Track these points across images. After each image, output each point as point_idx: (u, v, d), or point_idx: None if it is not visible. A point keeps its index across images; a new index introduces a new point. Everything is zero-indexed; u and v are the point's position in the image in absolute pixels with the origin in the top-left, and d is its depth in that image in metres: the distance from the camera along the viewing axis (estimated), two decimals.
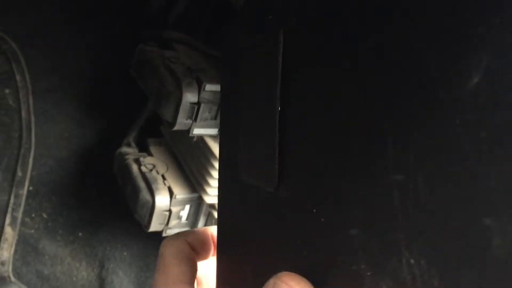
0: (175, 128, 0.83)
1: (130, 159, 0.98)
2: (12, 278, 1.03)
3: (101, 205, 1.15)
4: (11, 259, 1.02)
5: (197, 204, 0.94)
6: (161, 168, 0.96)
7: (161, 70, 0.84)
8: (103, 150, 1.12)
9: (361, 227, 0.36)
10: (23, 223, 1.07)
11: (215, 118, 0.85)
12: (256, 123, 0.49)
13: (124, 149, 1.02)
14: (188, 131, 0.84)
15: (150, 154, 1.01)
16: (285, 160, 0.45)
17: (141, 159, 0.97)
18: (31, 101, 0.99)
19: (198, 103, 0.81)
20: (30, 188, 1.16)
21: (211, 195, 0.88)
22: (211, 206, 0.92)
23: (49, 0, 0.98)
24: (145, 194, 0.91)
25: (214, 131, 0.86)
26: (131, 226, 1.15)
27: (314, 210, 0.41)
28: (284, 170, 0.45)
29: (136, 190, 0.92)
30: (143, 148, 1.05)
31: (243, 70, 0.51)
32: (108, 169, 1.13)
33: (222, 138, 0.61)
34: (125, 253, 1.13)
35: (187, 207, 0.94)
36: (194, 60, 0.87)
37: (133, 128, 1.06)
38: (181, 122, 0.82)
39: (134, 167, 0.96)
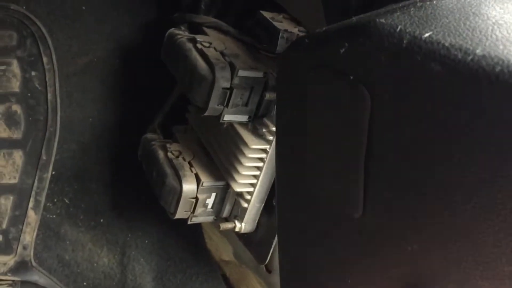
0: (206, 113, 0.81)
1: (156, 145, 0.97)
2: (34, 263, 1.03)
3: (123, 191, 1.15)
4: (33, 244, 1.02)
5: (224, 192, 0.93)
6: (188, 155, 0.95)
7: (193, 53, 0.83)
8: (126, 136, 1.11)
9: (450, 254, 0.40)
10: (45, 208, 1.07)
11: (246, 104, 0.83)
12: (335, 148, 0.51)
13: (150, 135, 1.01)
14: (219, 117, 0.83)
15: (176, 141, 0.99)
16: (371, 188, 0.47)
17: (168, 145, 0.96)
18: (57, 84, 0.98)
19: (231, 89, 0.80)
20: (53, 172, 1.15)
21: (240, 183, 0.87)
22: (239, 194, 0.90)
23: None
24: (171, 180, 0.89)
25: (244, 117, 0.85)
26: (152, 213, 1.14)
27: (405, 239, 0.44)
28: (370, 198, 0.47)
29: (162, 176, 0.91)
30: (168, 135, 1.03)
31: (316, 94, 0.52)
32: (131, 155, 1.12)
33: (281, 145, 0.61)
34: (146, 241, 1.12)
35: (213, 195, 0.93)
36: (226, 45, 0.85)
37: (159, 114, 1.04)
38: (213, 107, 0.81)
39: (160, 153, 0.95)
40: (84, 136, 1.09)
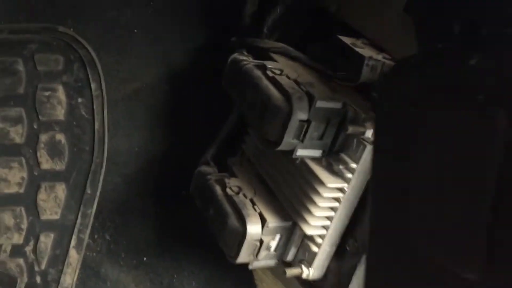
0: (280, 148, 0.73)
1: (212, 179, 0.89)
2: None
3: (168, 227, 1.06)
4: (74, 286, 0.93)
5: (289, 233, 0.84)
6: (249, 191, 0.86)
7: (263, 82, 0.75)
8: (173, 167, 1.02)
9: None
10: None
11: (321, 138, 0.75)
12: (450, 193, 0.43)
13: (204, 167, 0.92)
14: (291, 151, 0.75)
15: (233, 175, 0.91)
16: (498, 249, 0.39)
17: (226, 180, 0.88)
18: (105, 112, 0.90)
19: (308, 121, 0.72)
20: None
21: (313, 225, 0.78)
22: (308, 237, 0.81)
23: (129, 5, 0.90)
24: (233, 221, 0.81)
25: (318, 152, 0.76)
26: (199, 252, 1.05)
27: None
28: (496, 261, 0.39)
29: (223, 216, 0.82)
30: (222, 168, 0.95)
31: (429, 123, 0.44)
32: (177, 188, 1.04)
33: (378, 186, 0.53)
34: (193, 283, 1.03)
35: (278, 236, 0.84)
36: (298, 72, 0.77)
37: (212, 145, 0.96)
38: (288, 141, 0.72)
39: (218, 189, 0.87)
40: (128, 167, 1.01)
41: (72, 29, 0.88)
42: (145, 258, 1.03)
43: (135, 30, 0.92)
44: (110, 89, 0.93)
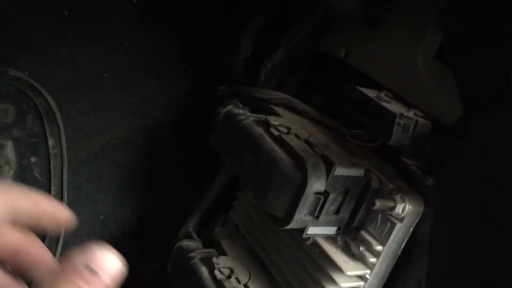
0: (289, 226, 0.58)
1: (196, 258, 0.72)
2: None
3: None
4: None
5: None
6: (242, 274, 0.70)
7: (267, 142, 0.60)
8: (148, 240, 0.85)
9: None
10: None
11: (337, 212, 0.60)
12: None
13: (185, 242, 0.76)
14: (301, 230, 0.60)
15: (220, 251, 0.75)
16: None
17: (214, 259, 0.71)
18: (65, 174, 0.73)
19: (325, 193, 0.57)
20: None
21: None
22: None
23: (99, 44, 0.75)
24: None
25: (332, 230, 0.62)
26: None
27: None
28: None
29: None
30: (207, 241, 0.79)
31: None
32: (150, 267, 0.87)
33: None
34: None
35: None
36: (308, 130, 0.63)
37: (194, 213, 0.80)
38: (299, 219, 0.57)
39: (204, 271, 0.70)
40: (90, 239, 0.83)
41: (26, 73, 0.72)
42: None
43: (105, 75, 0.76)
44: (71, 146, 0.76)
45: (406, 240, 0.60)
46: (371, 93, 0.62)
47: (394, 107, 0.60)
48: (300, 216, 0.57)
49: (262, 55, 0.74)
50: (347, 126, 0.67)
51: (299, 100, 0.72)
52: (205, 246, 0.78)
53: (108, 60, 0.78)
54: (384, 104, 0.60)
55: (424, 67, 0.64)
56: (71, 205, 0.78)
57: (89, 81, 0.76)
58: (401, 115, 0.58)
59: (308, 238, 0.62)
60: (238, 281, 0.69)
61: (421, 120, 0.59)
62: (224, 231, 0.79)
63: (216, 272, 0.69)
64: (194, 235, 0.79)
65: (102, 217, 0.83)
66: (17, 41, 0.71)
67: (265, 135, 0.61)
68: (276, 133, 0.61)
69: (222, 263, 0.71)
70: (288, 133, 0.62)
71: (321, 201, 0.57)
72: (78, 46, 0.74)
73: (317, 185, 0.56)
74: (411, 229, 0.59)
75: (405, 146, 0.59)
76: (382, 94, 0.62)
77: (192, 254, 0.73)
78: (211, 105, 0.73)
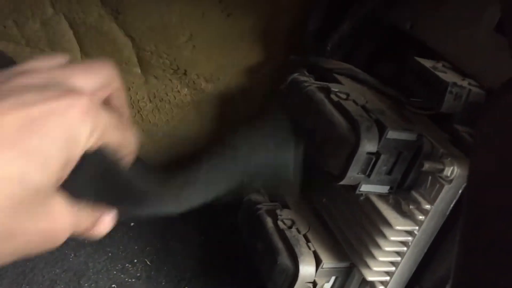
0: (343, 182, 0.64)
1: (263, 209, 0.81)
2: None
3: (212, 255, 0.99)
4: None
5: (345, 275, 0.75)
6: (302, 226, 0.78)
7: (327, 107, 0.67)
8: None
9: None
10: (123, 270, 0.92)
11: (390, 173, 0.66)
12: None
13: (255, 196, 0.85)
14: (354, 186, 0.66)
15: (284, 205, 0.83)
16: None
17: (278, 211, 0.79)
18: None
19: (377, 154, 0.63)
20: (132, 224, 1.02)
21: (375, 271, 0.68)
22: (368, 283, 0.72)
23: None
24: (285, 259, 0.72)
25: (385, 188, 0.67)
26: (244, 283, 0.97)
27: None
28: None
29: (272, 252, 0.74)
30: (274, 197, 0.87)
31: None
32: (224, 215, 0.97)
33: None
34: None
35: (333, 279, 0.75)
36: (367, 97, 0.69)
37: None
38: (352, 176, 0.64)
39: (269, 221, 0.79)
40: None
41: None
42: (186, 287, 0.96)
43: None
44: None
45: (454, 201, 0.64)
46: (428, 63, 0.66)
47: (448, 76, 0.64)
48: (353, 174, 0.63)
49: (330, 27, 0.79)
50: (406, 95, 0.71)
51: (364, 71, 0.77)
52: (271, 200, 0.86)
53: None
54: (439, 74, 0.64)
55: (484, 38, 0.67)
56: None
57: None
58: (454, 84, 0.62)
59: (361, 195, 0.68)
60: (298, 231, 0.77)
61: (474, 89, 0.63)
62: None
63: (279, 223, 0.78)
64: (262, 190, 0.87)
65: None
66: None
67: (326, 100, 0.68)
68: (336, 98, 0.67)
69: (285, 215, 0.79)
70: (346, 99, 0.68)
71: (373, 161, 0.63)
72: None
73: (369, 146, 0.62)
74: (460, 191, 0.63)
75: (458, 114, 0.63)
76: (439, 65, 0.66)
77: (259, 206, 0.82)
78: (282, 73, 0.80)
